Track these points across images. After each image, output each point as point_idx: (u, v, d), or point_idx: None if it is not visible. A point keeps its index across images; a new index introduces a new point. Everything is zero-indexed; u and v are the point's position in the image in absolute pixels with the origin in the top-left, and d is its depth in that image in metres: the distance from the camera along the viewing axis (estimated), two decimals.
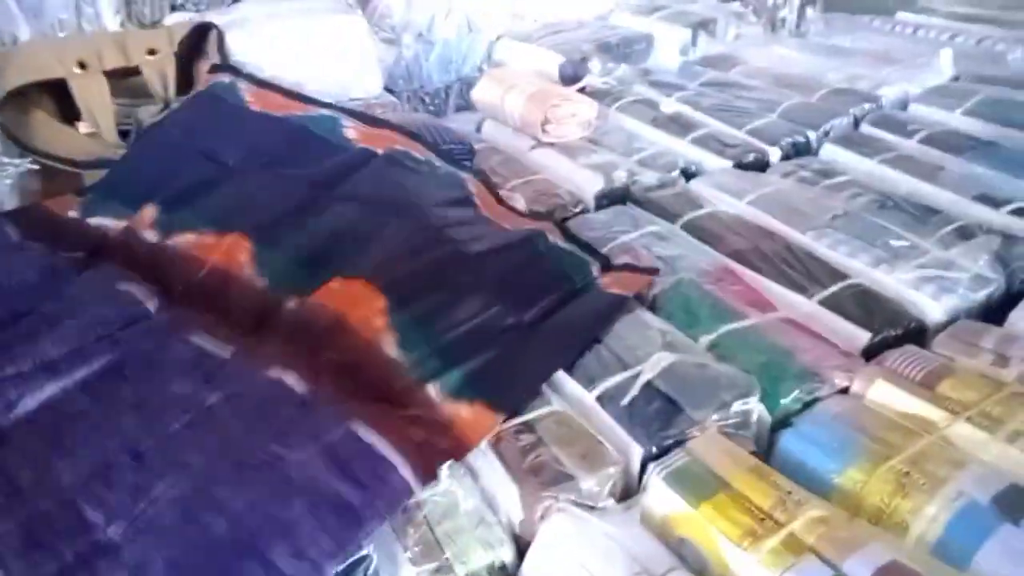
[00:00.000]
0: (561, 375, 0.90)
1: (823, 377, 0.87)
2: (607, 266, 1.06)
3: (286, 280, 0.92)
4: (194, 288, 0.92)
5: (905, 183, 1.29)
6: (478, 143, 1.60)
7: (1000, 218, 1.16)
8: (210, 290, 0.91)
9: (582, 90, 1.86)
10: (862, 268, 1.07)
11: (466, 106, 1.95)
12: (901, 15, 2.23)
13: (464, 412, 0.75)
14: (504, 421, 0.79)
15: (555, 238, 1.08)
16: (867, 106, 1.61)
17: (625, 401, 0.86)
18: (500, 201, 1.19)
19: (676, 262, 1.11)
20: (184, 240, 1.00)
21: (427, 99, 2.08)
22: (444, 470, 0.70)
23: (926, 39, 2.04)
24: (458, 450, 0.72)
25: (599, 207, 1.36)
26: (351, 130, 1.28)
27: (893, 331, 0.96)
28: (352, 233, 1.00)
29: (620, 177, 1.36)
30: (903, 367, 0.88)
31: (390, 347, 0.81)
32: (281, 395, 0.72)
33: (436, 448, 0.70)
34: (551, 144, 1.52)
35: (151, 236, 1.04)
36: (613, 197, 1.37)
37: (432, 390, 0.77)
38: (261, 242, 0.97)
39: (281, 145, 1.21)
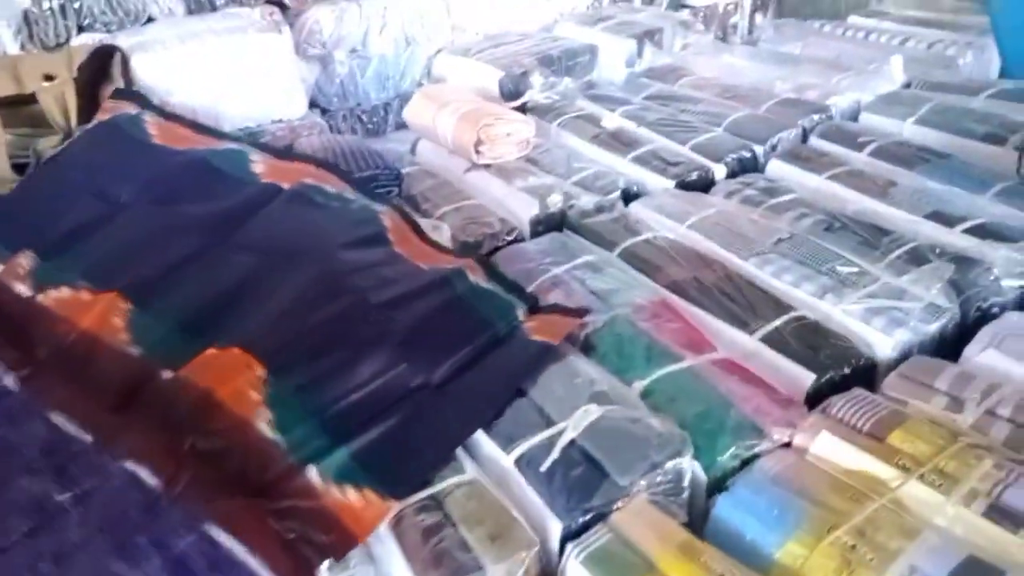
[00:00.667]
0: (477, 434, 0.81)
1: (763, 430, 0.79)
2: (534, 307, 0.97)
3: (161, 349, 0.82)
4: (61, 355, 0.82)
5: (854, 201, 1.22)
6: (411, 166, 1.51)
7: (954, 238, 1.09)
8: (78, 358, 0.81)
9: (523, 106, 1.78)
10: (807, 298, 1.00)
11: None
12: (853, 19, 2.18)
13: (352, 499, 0.66)
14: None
15: (477, 277, 0.98)
16: (816, 117, 1.54)
17: (545, 465, 0.77)
18: (420, 235, 1.09)
19: (611, 296, 1.02)
20: (57, 297, 0.90)
21: (364, 117, 1.98)
22: (324, 570, 0.61)
23: (877, 44, 1.98)
24: (341, 546, 0.62)
25: (534, 234, 1.27)
26: (259, 164, 1.18)
27: (840, 371, 0.88)
28: (239, 291, 0.90)
29: (556, 202, 1.27)
30: (850, 415, 0.79)
31: (265, 425, 0.71)
32: (132, 495, 0.62)
33: (313, 545, 0.61)
34: (486, 166, 1.43)
35: (23, 289, 0.93)
36: (549, 223, 1.28)
37: (314, 475, 0.67)
38: (139, 304, 0.87)
39: (180, 182, 1.11)
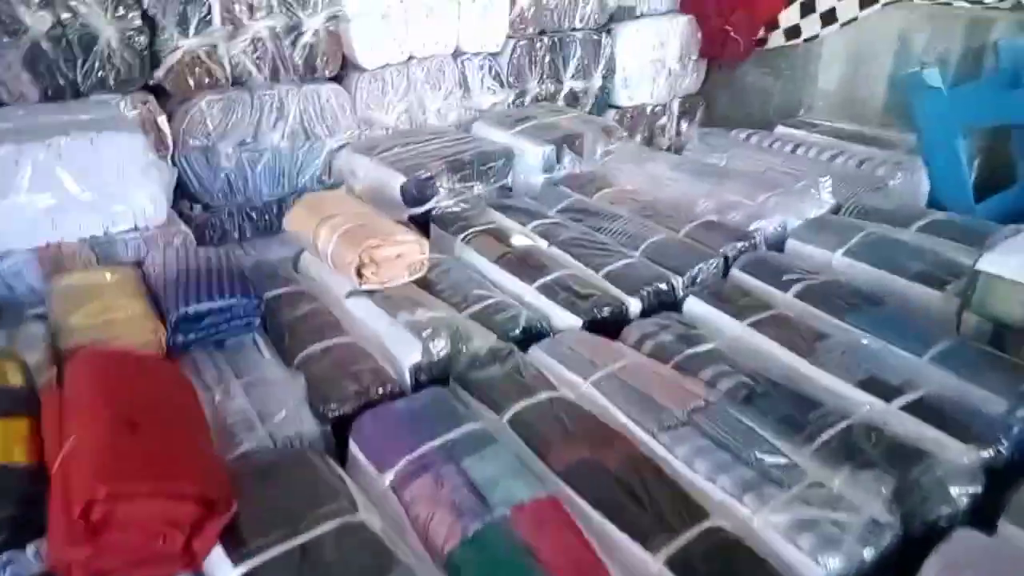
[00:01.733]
0: None
1: None
2: None
3: None
4: None
5: (778, 357, 1.07)
6: (289, 283, 1.31)
7: (891, 415, 0.94)
8: None
9: (428, 212, 1.61)
10: (724, 498, 0.83)
11: None
12: (780, 130, 2.11)
13: None
14: None
15: None
16: (740, 245, 1.41)
17: None
18: None
19: (491, 490, 0.83)
20: None
21: (254, 215, 1.78)
22: None
23: (805, 158, 1.91)
24: None
25: (416, 384, 1.08)
26: None
27: None
28: None
29: (441, 348, 1.09)
30: None
31: None
32: None
33: None
34: (373, 290, 1.24)
35: None
36: (434, 372, 1.09)
37: None
38: None
39: None
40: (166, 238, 1.33)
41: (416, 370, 1.08)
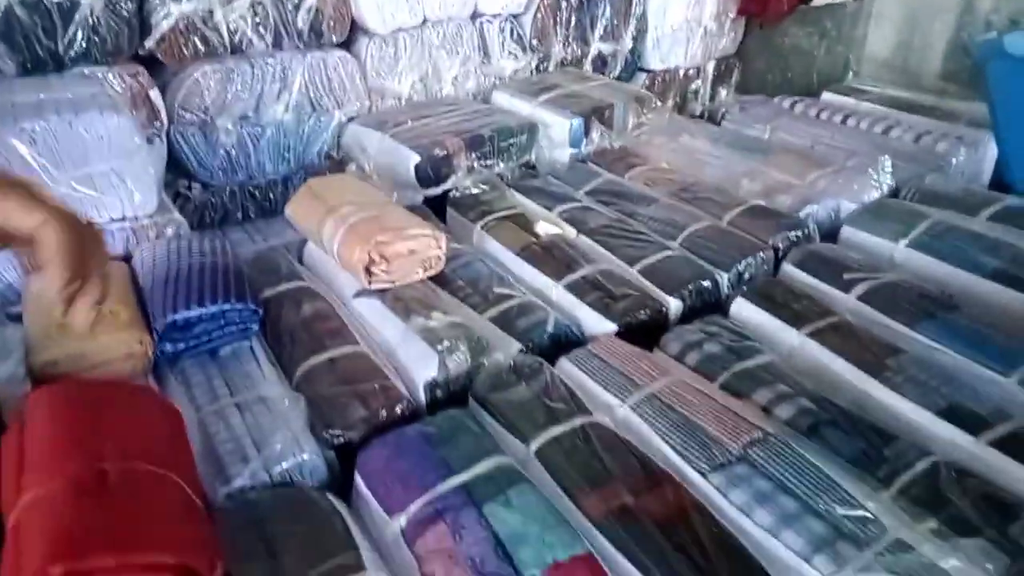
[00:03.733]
0: None
1: None
2: None
3: None
4: None
5: (845, 377, 0.94)
6: (291, 280, 1.19)
7: (980, 452, 0.81)
8: None
9: (445, 195, 1.48)
10: (789, 559, 0.71)
11: None
12: (827, 97, 1.94)
13: None
14: None
15: None
16: (791, 234, 1.27)
17: None
18: None
19: (518, 548, 0.71)
20: None
21: (258, 194, 1.66)
22: None
23: (857, 131, 1.74)
24: None
25: (432, 402, 0.97)
26: None
27: None
28: None
29: (460, 362, 0.97)
30: None
31: None
32: None
33: None
34: (383, 289, 1.12)
35: None
36: (452, 388, 0.97)
37: None
38: None
39: None
40: (158, 229, 1.21)
41: (431, 387, 0.96)
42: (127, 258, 1.17)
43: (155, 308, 1.01)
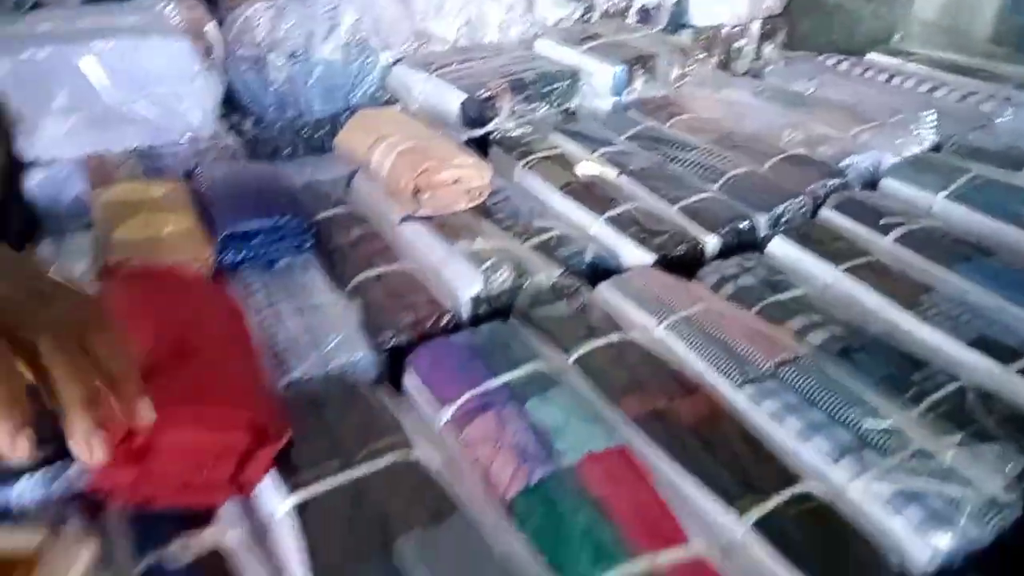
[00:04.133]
0: None
1: None
2: None
3: None
4: None
5: (878, 310, 0.96)
6: (340, 205, 1.24)
7: (1009, 379, 0.84)
8: None
9: (487, 136, 1.51)
10: (817, 464, 0.74)
11: None
12: (872, 57, 1.93)
13: None
14: None
15: None
16: (830, 182, 1.29)
17: None
18: None
19: (557, 437, 0.76)
20: None
21: (306, 131, 1.70)
22: None
23: (901, 90, 1.73)
24: None
25: (475, 317, 1.01)
26: None
27: None
28: None
29: (503, 280, 1.01)
30: None
31: None
32: None
33: None
34: (428, 217, 1.16)
35: None
36: (495, 305, 1.02)
37: None
38: None
39: None
40: (215, 151, 1.26)
41: (475, 303, 1.01)
42: (187, 176, 1.22)
43: (217, 220, 1.06)
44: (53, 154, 1.18)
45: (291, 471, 0.71)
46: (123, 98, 1.20)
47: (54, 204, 1.19)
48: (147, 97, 1.22)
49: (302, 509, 0.69)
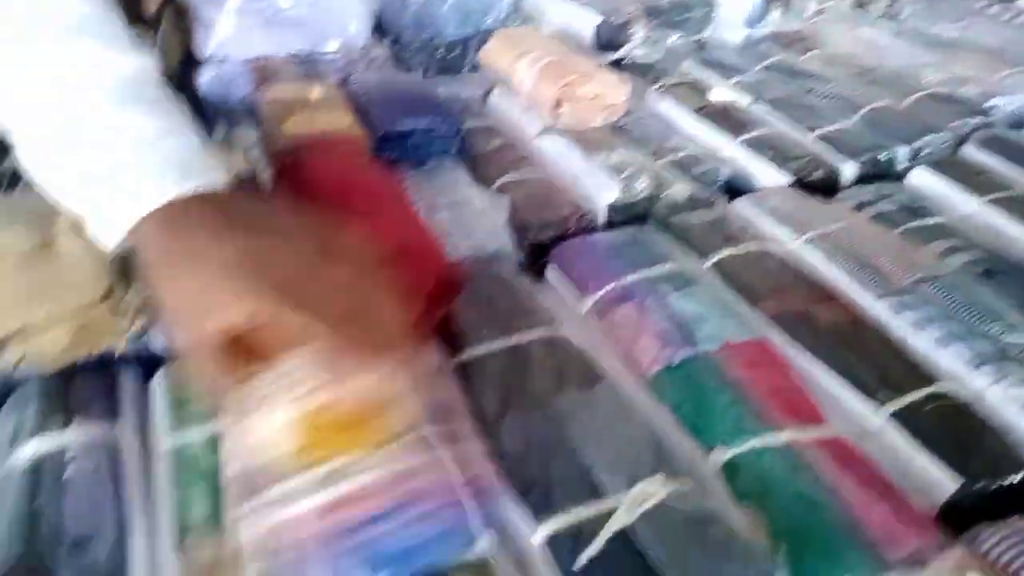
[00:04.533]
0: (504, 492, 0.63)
1: (886, 560, 0.58)
2: None
3: None
4: None
5: (1021, 238, 0.96)
6: (479, 119, 1.30)
7: None
8: None
9: (619, 61, 1.54)
10: (956, 370, 0.77)
11: None
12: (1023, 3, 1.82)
13: None
14: None
15: None
16: (974, 120, 1.26)
17: (582, 560, 0.58)
18: None
19: (697, 327, 0.81)
20: None
21: (440, 52, 1.76)
22: None
23: None
24: None
25: (612, 223, 1.06)
26: None
27: (993, 482, 0.66)
28: None
29: (643, 187, 1.05)
30: (1010, 558, 0.58)
31: None
32: None
33: None
34: (565, 130, 1.21)
35: None
36: (631, 213, 1.06)
37: None
38: None
39: None
40: (369, 60, 1.34)
41: (612, 210, 1.06)
42: (343, 82, 1.30)
43: (375, 120, 1.14)
44: (225, 53, 1.29)
45: (455, 335, 0.79)
46: (288, 4, 1.29)
47: (223, 102, 1.30)
48: (310, 5, 1.30)
49: (464, 367, 0.76)
